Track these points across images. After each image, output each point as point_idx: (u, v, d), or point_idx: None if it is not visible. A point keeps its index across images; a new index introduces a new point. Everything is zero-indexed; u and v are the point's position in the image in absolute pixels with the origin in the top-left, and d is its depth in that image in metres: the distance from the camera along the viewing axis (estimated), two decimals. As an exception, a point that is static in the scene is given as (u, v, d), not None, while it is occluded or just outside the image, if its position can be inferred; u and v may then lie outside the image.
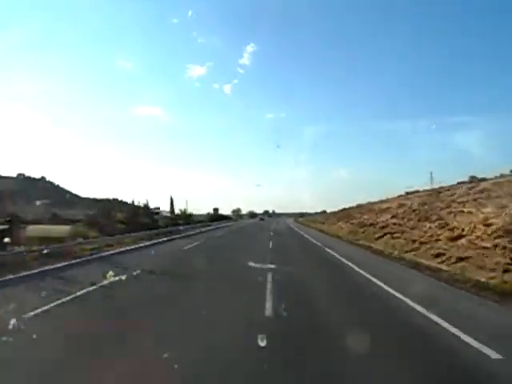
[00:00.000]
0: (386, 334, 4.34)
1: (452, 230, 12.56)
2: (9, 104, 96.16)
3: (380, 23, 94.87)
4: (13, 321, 4.38)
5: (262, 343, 3.81)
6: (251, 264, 10.32)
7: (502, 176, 17.89)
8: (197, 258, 12.36)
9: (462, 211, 13.54)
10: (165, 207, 46.50)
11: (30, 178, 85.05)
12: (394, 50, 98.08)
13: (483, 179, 17.49)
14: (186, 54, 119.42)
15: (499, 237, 9.86)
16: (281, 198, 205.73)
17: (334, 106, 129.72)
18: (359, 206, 35.19)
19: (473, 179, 18.49)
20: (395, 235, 16.09)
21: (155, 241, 19.18)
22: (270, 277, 8.08)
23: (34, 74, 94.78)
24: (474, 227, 11.53)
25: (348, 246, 17.71)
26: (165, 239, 20.63)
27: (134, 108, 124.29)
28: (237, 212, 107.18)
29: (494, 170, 19.11)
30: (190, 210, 42.30)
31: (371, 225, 21.78)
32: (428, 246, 12.25)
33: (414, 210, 18.42)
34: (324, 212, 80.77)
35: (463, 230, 11.91)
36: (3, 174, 70.44)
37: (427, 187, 25.59)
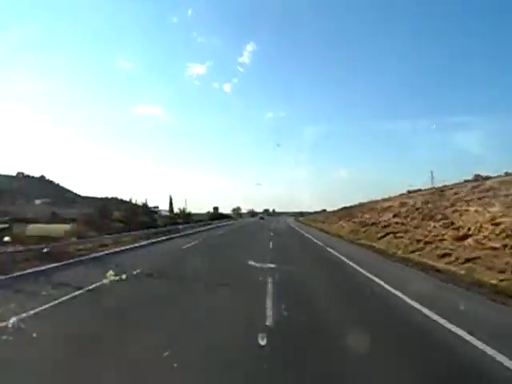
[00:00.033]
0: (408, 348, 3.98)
1: (458, 229, 12.23)
2: (9, 104, 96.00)
3: (380, 23, 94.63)
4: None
5: (263, 342, 3.84)
6: (251, 263, 10.15)
7: (506, 174, 17.54)
8: (195, 258, 12.06)
9: (468, 210, 13.19)
10: (165, 206, 46.32)
11: (29, 176, 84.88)
12: (394, 50, 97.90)
13: (488, 177, 17.15)
14: (186, 53, 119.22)
15: (508, 236, 9.54)
16: (281, 197, 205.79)
17: (333, 105, 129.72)
18: (360, 205, 34.84)
19: (477, 177, 18.13)
20: (398, 235, 15.75)
21: (153, 240, 18.83)
22: (270, 277, 7.78)
23: (33, 74, 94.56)
24: (481, 227, 11.19)
25: (350, 245, 17.37)
26: (163, 238, 20.31)
27: (134, 107, 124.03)
28: (237, 211, 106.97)
29: (495, 169, 18.83)
30: (189, 209, 42.07)
31: (373, 224, 21.44)
32: (433, 245, 11.91)
33: (417, 209, 18.08)
34: (324, 211, 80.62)
35: (469, 229, 11.58)
36: (3, 173, 70.39)
37: (428, 186, 25.36)
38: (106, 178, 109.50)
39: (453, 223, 13.01)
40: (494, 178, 16.75)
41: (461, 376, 3.25)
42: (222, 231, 29.26)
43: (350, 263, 10.41)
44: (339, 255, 12.43)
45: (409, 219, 17.35)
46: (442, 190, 19.48)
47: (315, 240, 20.01)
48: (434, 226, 14.04)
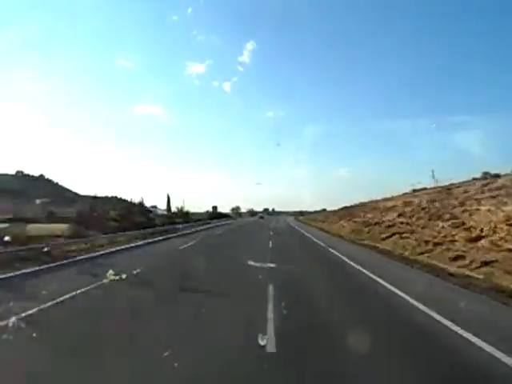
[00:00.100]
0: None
1: (469, 229, 11.52)
2: (9, 104, 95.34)
3: (380, 23, 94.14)
4: None
5: (263, 342, 3.81)
6: (251, 263, 9.88)
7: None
8: (192, 260, 11.40)
9: (479, 209, 12.48)
10: (164, 206, 45.63)
11: (28, 175, 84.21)
12: (394, 50, 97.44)
13: (498, 175, 16.43)
14: (186, 51, 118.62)
15: (527, 238, 8.85)
16: (281, 197, 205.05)
17: (333, 105, 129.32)
18: (362, 204, 34.14)
19: (486, 175, 17.42)
20: (404, 235, 15.05)
21: (149, 240, 18.09)
22: (270, 280, 7.10)
23: (33, 74, 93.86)
24: (495, 227, 10.49)
25: (353, 246, 16.71)
26: (160, 238, 19.58)
27: (134, 107, 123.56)
28: (236, 210, 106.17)
29: (495, 169, 18.10)
30: (188, 209, 41.33)
31: (376, 224, 20.73)
32: (443, 247, 11.21)
33: (423, 208, 17.36)
34: (324, 210, 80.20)
35: (482, 230, 10.87)
36: (2, 172, 69.69)
37: (429, 186, 24.65)
38: (106, 178, 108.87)
39: (463, 223, 12.30)
40: (505, 175, 16.02)
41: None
42: (221, 231, 28.55)
43: (354, 264, 9.73)
44: (343, 256, 11.75)
45: (414, 219, 16.64)
46: (448, 189, 18.78)
47: (316, 240, 19.35)
48: (443, 227, 13.33)
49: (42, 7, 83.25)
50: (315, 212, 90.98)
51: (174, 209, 40.07)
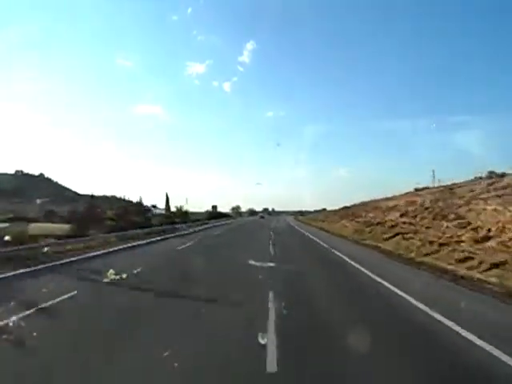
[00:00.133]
0: None
1: (476, 229, 11.13)
2: (9, 104, 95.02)
3: (380, 23, 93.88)
4: None
5: (263, 341, 3.76)
6: (251, 262, 9.67)
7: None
8: (189, 261, 10.99)
9: (486, 209, 12.09)
10: (163, 205, 45.20)
11: (28, 174, 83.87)
12: (394, 50, 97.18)
13: (504, 174, 16.02)
14: (186, 51, 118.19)
15: (538, 239, 8.45)
16: (281, 197, 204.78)
17: (333, 105, 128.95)
18: (363, 204, 33.74)
19: (491, 174, 17.02)
20: (408, 235, 14.63)
21: (146, 240, 17.65)
22: (270, 284, 6.69)
23: (33, 74, 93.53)
24: (504, 227, 10.10)
25: (355, 246, 16.33)
26: (158, 238, 19.16)
27: (134, 107, 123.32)
28: (236, 209, 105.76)
29: (496, 169, 17.74)
30: (187, 208, 40.87)
31: (378, 224, 20.33)
32: (449, 248, 10.80)
33: (426, 208, 16.97)
34: (324, 210, 79.84)
35: (490, 230, 10.48)
36: (1, 172, 69.39)
37: (429, 185, 24.25)
38: (107, 177, 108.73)
39: (469, 223, 11.92)
40: (511, 174, 15.62)
41: None
42: (220, 231, 28.11)
43: (360, 267, 9.32)
44: (347, 258, 11.34)
45: (418, 219, 16.24)
46: (451, 188, 18.38)
47: (319, 241, 18.94)
48: (448, 227, 12.93)
49: (41, 7, 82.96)
50: (315, 212, 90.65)
51: (173, 208, 39.64)
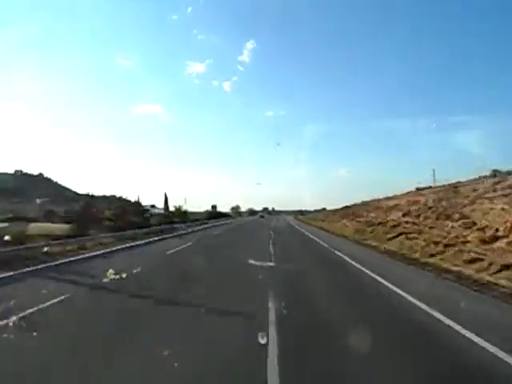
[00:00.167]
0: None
1: (482, 229, 10.80)
2: (9, 104, 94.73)
3: (380, 23, 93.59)
4: None
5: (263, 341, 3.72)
6: (251, 262, 9.47)
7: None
8: (186, 261, 10.67)
9: (493, 208, 11.76)
10: (163, 205, 44.82)
11: (27, 174, 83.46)
12: (394, 50, 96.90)
13: (510, 172, 15.69)
14: (186, 51, 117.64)
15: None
16: (280, 196, 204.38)
17: (333, 105, 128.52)
18: (364, 204, 33.41)
19: (495, 173, 16.70)
20: (411, 235, 14.32)
21: (141, 241, 17.26)
22: (271, 291, 6.36)
23: (33, 74, 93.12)
24: (512, 227, 9.77)
25: (356, 246, 16.03)
26: (156, 238, 18.81)
27: (134, 107, 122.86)
28: (236, 209, 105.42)
29: (498, 168, 17.42)
30: (188, 208, 40.52)
31: (380, 223, 20.01)
32: (455, 248, 10.47)
33: (429, 208, 16.63)
34: (324, 210, 79.62)
35: (497, 230, 10.15)
36: (1, 171, 69.00)
37: (430, 185, 23.90)
38: (107, 177, 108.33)
39: (475, 223, 11.59)
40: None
41: None
42: (219, 231, 27.74)
43: (366, 271, 9.00)
44: (348, 258, 11.02)
45: (421, 218, 15.91)
46: (455, 187, 18.06)
47: (319, 239, 18.63)
48: (453, 227, 12.60)
49: (42, 7, 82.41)
50: (315, 211, 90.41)
51: (172, 208, 39.28)
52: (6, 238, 10.83)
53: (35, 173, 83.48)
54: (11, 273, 8.19)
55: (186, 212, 38.49)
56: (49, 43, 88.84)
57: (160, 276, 8.32)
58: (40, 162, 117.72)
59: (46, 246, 11.22)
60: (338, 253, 12.55)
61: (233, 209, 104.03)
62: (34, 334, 4.05)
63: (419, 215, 16.60)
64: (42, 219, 20.65)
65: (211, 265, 9.73)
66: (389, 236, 16.19)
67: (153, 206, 46.83)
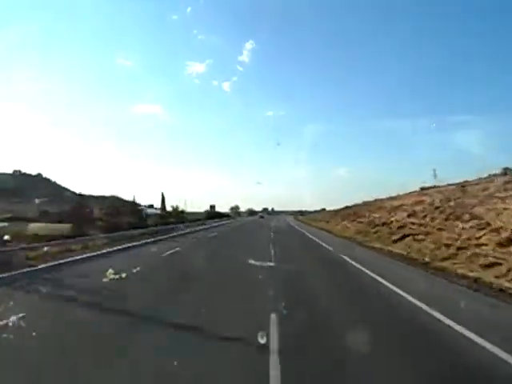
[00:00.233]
0: None
1: (497, 231, 10.07)
2: (9, 104, 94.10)
3: (380, 23, 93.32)
4: None
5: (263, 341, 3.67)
6: (251, 262, 9.38)
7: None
8: (185, 261, 9.96)
9: (507, 208, 11.03)
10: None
11: (26, 174, 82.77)
12: (394, 50, 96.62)
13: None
14: (186, 51, 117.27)
15: None
16: (280, 196, 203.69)
17: (333, 105, 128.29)
18: (366, 204, 32.67)
19: (506, 171, 15.99)
20: (418, 237, 13.61)
21: (141, 242, 16.55)
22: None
23: (33, 74, 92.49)
24: (531, 229, 9.06)
25: (361, 248, 15.35)
26: (151, 240, 18.05)
27: (134, 107, 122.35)
28: (235, 209, 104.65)
29: (496, 169, 16.79)
30: (184, 207, 39.78)
31: (384, 224, 19.28)
32: (469, 251, 9.75)
33: (436, 208, 15.89)
34: (323, 210, 78.98)
35: (514, 231, 9.43)
36: (0, 171, 68.40)
37: (430, 185, 23.15)
38: (106, 177, 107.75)
39: (489, 224, 10.85)
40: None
41: None
42: (216, 232, 26.95)
43: (379, 278, 8.28)
44: (351, 260, 10.29)
45: (428, 219, 15.18)
46: (463, 186, 17.34)
47: (324, 244, 17.96)
48: (463, 228, 11.87)
49: (42, 7, 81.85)
50: (315, 212, 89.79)
51: (169, 208, 38.54)
52: (6, 237, 10.93)
53: (34, 173, 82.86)
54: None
55: (183, 212, 37.73)
56: (49, 43, 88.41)
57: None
58: (39, 162, 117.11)
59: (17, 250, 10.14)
60: (346, 257, 11.73)
61: (232, 209, 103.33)
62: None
63: (425, 216, 15.86)
64: (39, 219, 20.43)
65: (212, 264, 9.79)
66: (394, 238, 15.48)
67: (151, 206, 46.18)
